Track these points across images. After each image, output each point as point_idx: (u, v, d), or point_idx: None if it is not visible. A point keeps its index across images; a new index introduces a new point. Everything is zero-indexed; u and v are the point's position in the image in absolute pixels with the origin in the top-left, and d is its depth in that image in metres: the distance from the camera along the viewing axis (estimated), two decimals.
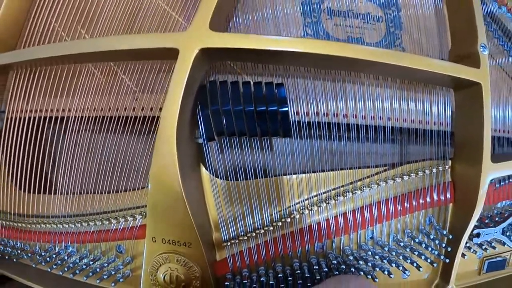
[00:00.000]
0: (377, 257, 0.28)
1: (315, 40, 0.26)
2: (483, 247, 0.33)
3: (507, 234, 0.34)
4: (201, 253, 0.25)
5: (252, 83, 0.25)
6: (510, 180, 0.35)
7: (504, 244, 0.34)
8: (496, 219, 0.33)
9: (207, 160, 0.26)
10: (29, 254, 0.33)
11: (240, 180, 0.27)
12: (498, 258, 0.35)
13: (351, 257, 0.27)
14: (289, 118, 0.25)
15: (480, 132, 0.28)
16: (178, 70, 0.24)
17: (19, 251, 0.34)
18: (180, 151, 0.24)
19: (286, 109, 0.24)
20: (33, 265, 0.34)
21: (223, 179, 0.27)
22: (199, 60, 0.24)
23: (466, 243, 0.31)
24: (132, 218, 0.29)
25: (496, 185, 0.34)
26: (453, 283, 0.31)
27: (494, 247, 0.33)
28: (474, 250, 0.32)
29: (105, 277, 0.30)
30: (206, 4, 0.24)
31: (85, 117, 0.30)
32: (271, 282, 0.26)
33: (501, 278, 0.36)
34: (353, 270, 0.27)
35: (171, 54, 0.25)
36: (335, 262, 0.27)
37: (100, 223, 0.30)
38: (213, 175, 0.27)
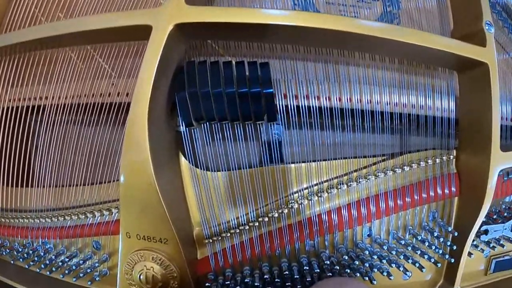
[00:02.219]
0: (375, 256, 0.23)
1: (305, 13, 0.21)
2: (491, 245, 0.28)
3: None
4: (178, 250, 0.21)
5: (234, 62, 0.21)
6: None
7: None
8: (505, 214, 0.29)
9: (186, 149, 0.22)
10: (8, 250, 0.30)
11: (223, 171, 0.23)
12: (506, 257, 0.30)
13: (346, 257, 0.23)
14: (274, 100, 0.21)
15: (487, 118, 0.24)
16: (151, 48, 0.20)
17: None
18: (154, 138, 0.20)
19: (271, 90, 0.20)
20: (12, 261, 0.30)
21: (204, 170, 0.23)
22: (174, 37, 0.20)
23: (473, 240, 0.27)
24: (108, 212, 0.25)
25: (505, 178, 0.29)
26: (459, 284, 0.27)
27: (502, 245, 0.29)
28: (481, 249, 0.28)
29: (81, 275, 0.26)
30: None
31: (62, 105, 0.26)
32: (256, 284, 0.22)
33: (508, 278, 0.31)
34: (348, 271, 0.23)
35: (145, 33, 0.21)
36: (328, 262, 0.22)
37: (76, 217, 0.26)
38: (193, 165, 0.23)
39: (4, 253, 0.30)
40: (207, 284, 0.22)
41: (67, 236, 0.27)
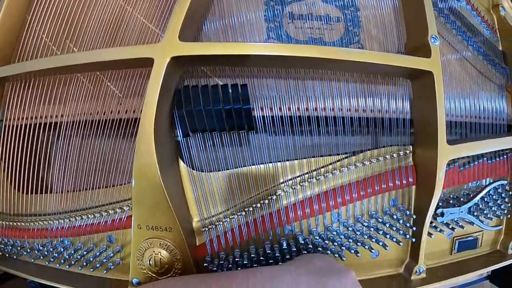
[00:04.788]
0: (342, 237, 0.33)
1: (273, 44, 0.31)
2: (450, 227, 0.38)
3: (475, 214, 0.39)
4: (181, 237, 0.31)
5: (220, 85, 0.31)
6: (475, 162, 0.39)
7: (473, 224, 0.39)
8: (462, 199, 0.38)
9: (184, 155, 0.32)
10: (28, 251, 0.39)
11: (214, 171, 0.33)
12: (469, 238, 0.40)
13: (318, 237, 0.33)
14: (251, 114, 0.30)
15: (434, 117, 0.34)
16: (153, 76, 0.30)
17: (19, 249, 0.40)
18: (159, 148, 0.30)
19: (249, 106, 0.30)
20: (32, 261, 0.40)
21: (199, 171, 0.33)
22: (172, 67, 0.30)
23: (432, 222, 0.36)
24: (120, 210, 0.35)
25: (461, 168, 0.39)
26: (423, 262, 0.36)
27: (462, 227, 0.38)
28: (440, 230, 0.37)
29: (97, 265, 0.36)
30: (176, 18, 0.30)
31: (76, 121, 0.36)
32: (245, 262, 0.32)
33: (472, 258, 0.41)
34: (321, 249, 0.33)
35: (147, 63, 0.31)
36: (303, 242, 0.32)
37: (92, 216, 0.36)
38: (190, 167, 0.33)
39: (24, 253, 0.40)
40: (205, 265, 0.32)
41: (84, 233, 0.36)
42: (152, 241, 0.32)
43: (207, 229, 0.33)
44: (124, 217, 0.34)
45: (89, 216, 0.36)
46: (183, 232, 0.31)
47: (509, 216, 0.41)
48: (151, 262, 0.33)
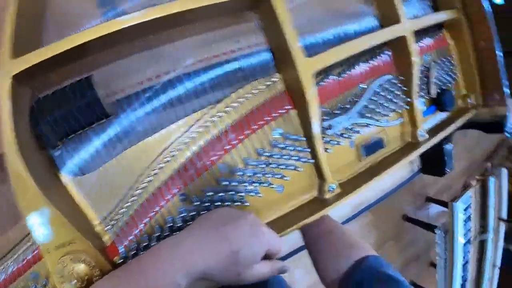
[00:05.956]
0: (235, 183, 0.33)
1: (105, 24, 0.30)
2: (346, 136, 0.38)
3: (367, 115, 0.39)
4: (87, 243, 0.31)
5: (66, 87, 0.32)
6: (353, 68, 0.40)
7: (368, 126, 0.39)
8: (348, 106, 0.39)
9: (60, 166, 0.33)
10: None
11: (94, 169, 0.33)
12: (373, 140, 0.41)
13: (210, 193, 0.33)
14: (100, 103, 0.31)
15: (285, 38, 0.34)
16: (2, 104, 0.30)
17: None
18: (34, 171, 0.30)
19: (95, 97, 0.31)
20: None
21: (81, 175, 0.33)
22: (16, 86, 0.30)
23: (324, 137, 0.37)
24: (29, 243, 0.35)
25: (339, 77, 0.39)
26: (331, 178, 0.37)
27: (357, 132, 0.39)
28: (337, 142, 0.38)
29: None
30: (4, 39, 0.31)
31: None
32: (153, 244, 0.32)
33: (385, 157, 0.41)
34: (219, 203, 0.33)
35: None
36: (198, 203, 0.32)
37: (11, 262, 0.36)
38: (72, 175, 0.33)
39: None
40: (120, 261, 0.32)
41: (11, 281, 0.36)
42: (64, 260, 0.32)
43: (110, 226, 0.33)
44: (36, 249, 0.35)
45: (8, 263, 0.36)
46: (87, 238, 0.32)
47: (407, 106, 0.42)
48: (73, 281, 0.33)
